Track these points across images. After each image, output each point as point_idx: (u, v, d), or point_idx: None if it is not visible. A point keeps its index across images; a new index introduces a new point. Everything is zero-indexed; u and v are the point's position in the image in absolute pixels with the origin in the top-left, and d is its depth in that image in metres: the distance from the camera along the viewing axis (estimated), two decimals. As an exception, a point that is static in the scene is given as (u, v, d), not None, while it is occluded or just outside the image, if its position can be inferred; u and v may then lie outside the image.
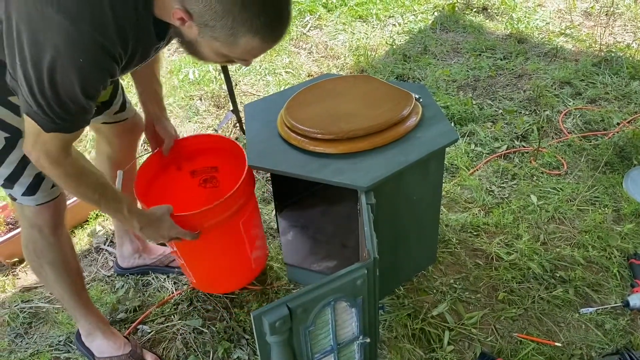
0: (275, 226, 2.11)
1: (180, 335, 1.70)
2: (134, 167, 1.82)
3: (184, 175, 1.76)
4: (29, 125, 1.11)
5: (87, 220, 2.21)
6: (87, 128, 1.24)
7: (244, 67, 1.13)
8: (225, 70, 2.50)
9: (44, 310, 1.84)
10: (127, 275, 1.93)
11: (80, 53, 1.00)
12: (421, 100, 1.71)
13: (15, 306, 1.85)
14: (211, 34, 1.04)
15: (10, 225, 2.08)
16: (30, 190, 1.32)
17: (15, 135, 1.24)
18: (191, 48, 1.12)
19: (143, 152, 2.22)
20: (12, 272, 2.01)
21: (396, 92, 1.69)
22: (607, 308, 1.70)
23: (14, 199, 1.35)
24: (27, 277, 1.99)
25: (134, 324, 1.75)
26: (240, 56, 1.12)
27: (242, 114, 2.68)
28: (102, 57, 1.04)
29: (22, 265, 2.03)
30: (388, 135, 1.56)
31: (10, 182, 1.30)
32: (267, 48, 1.10)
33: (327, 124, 1.56)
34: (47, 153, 1.14)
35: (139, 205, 1.49)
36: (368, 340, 1.30)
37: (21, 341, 1.74)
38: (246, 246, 1.65)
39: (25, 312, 1.83)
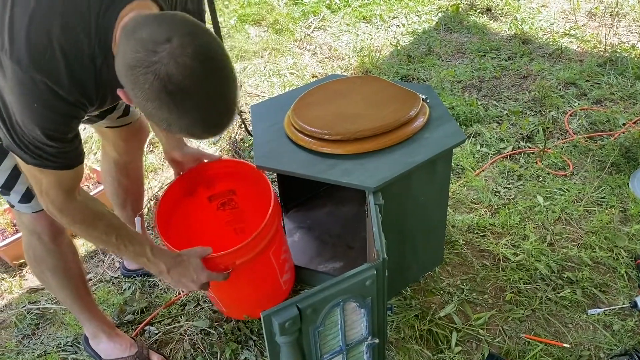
0: (281, 227, 2.11)
1: (188, 336, 1.70)
2: (141, 187, 1.82)
3: (202, 202, 1.70)
4: (29, 177, 1.16)
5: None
6: (93, 130, 1.23)
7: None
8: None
9: (52, 311, 1.84)
10: (134, 277, 1.94)
11: (34, 99, 1.01)
12: (428, 101, 1.71)
13: (23, 307, 1.86)
14: (151, 120, 1.03)
15: (16, 227, 2.08)
16: (26, 198, 1.31)
17: None
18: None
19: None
20: (19, 274, 2.01)
21: (403, 93, 1.69)
22: (615, 309, 1.69)
23: (12, 206, 1.35)
24: (33, 278, 1.99)
25: (141, 325, 1.75)
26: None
27: (247, 115, 2.68)
28: (57, 103, 1.02)
29: (28, 267, 2.03)
30: (395, 136, 1.56)
31: (6, 189, 1.29)
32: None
33: (334, 125, 1.57)
34: (52, 202, 1.16)
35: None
36: (377, 341, 1.30)
37: (29, 342, 1.74)
38: (277, 273, 1.60)
39: (32, 313, 1.84)
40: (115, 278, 1.96)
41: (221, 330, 1.70)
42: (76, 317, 1.62)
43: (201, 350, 1.66)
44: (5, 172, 1.27)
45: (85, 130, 2.60)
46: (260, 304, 1.67)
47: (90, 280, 1.98)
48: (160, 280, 1.91)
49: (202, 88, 0.94)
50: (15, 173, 1.28)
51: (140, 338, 1.71)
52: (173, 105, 0.93)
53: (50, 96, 1.01)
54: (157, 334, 1.73)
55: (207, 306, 1.80)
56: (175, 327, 1.74)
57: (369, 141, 1.54)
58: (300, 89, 1.89)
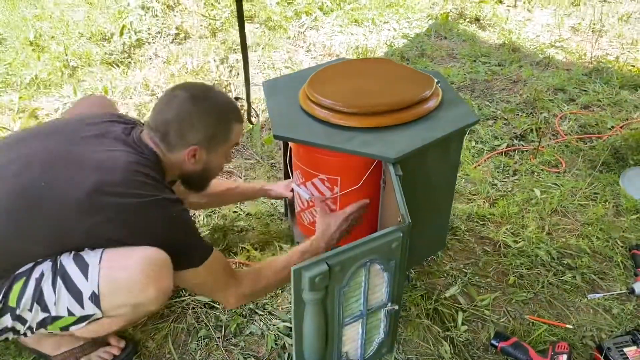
0: (283, 210, 2.10)
1: (191, 309, 1.66)
2: None
3: None
4: (206, 291, 1.45)
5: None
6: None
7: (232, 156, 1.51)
8: (245, 56, 2.47)
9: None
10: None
11: (172, 211, 1.29)
12: (439, 84, 1.74)
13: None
14: (216, 143, 1.38)
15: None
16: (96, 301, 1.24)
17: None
18: (204, 175, 1.45)
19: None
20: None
21: (417, 75, 1.72)
22: (613, 294, 1.74)
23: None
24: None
25: (141, 298, 1.70)
26: (235, 140, 1.44)
27: (243, 103, 2.67)
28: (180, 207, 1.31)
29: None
30: (411, 113, 1.57)
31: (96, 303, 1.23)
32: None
33: (351, 99, 1.57)
34: (234, 289, 1.38)
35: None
36: (397, 307, 1.30)
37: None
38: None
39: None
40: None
41: (226, 304, 1.67)
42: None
43: (205, 323, 1.62)
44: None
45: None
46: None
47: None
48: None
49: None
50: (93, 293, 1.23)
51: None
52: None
53: (176, 203, 1.29)
54: (158, 307, 1.68)
55: (210, 281, 1.76)
56: (177, 301, 1.70)
57: (386, 116, 1.55)
58: (311, 68, 1.90)
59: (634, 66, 3.36)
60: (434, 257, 1.88)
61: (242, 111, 1.38)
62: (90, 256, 1.22)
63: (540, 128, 2.66)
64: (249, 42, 3.66)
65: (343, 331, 1.27)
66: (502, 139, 2.59)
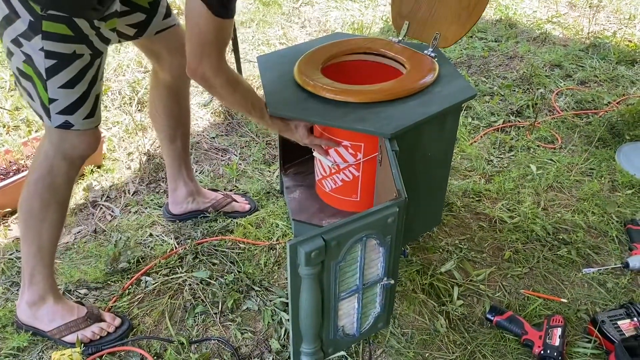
0: (278, 187, 2.09)
1: (188, 285, 1.66)
2: (190, 118, 1.80)
3: None
4: (194, 42, 1.25)
5: (83, 175, 2.14)
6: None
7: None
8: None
9: (41, 260, 1.77)
10: (128, 232, 1.88)
11: None
12: (436, 58, 1.72)
13: (11, 254, 1.77)
14: None
15: (1, 176, 1.99)
16: (92, 112, 1.33)
17: (96, 55, 1.28)
18: None
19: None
20: (4, 223, 1.92)
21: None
22: (607, 268, 1.75)
23: (67, 127, 1.30)
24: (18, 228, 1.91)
25: (137, 275, 1.70)
26: None
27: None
28: None
29: (14, 216, 1.94)
30: (407, 88, 1.56)
31: (76, 106, 1.28)
32: None
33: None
34: (211, 64, 1.28)
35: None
36: (392, 281, 1.30)
37: (17, 289, 1.66)
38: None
39: (20, 261, 1.75)
40: (104, 231, 1.90)
41: (222, 280, 1.67)
42: (35, 271, 1.45)
43: (202, 299, 1.62)
44: (85, 84, 1.28)
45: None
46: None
47: (80, 232, 1.91)
48: (152, 232, 1.86)
49: None
50: (91, 86, 1.30)
51: (137, 287, 1.67)
52: None
53: None
54: (154, 283, 1.68)
55: (206, 259, 1.76)
56: (173, 277, 1.70)
57: (381, 91, 1.54)
58: (306, 43, 1.87)
59: (630, 41, 3.33)
60: (430, 233, 1.88)
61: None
62: None
63: (536, 104, 2.65)
64: (243, 18, 3.61)
65: (339, 306, 1.27)
66: (498, 115, 2.58)
